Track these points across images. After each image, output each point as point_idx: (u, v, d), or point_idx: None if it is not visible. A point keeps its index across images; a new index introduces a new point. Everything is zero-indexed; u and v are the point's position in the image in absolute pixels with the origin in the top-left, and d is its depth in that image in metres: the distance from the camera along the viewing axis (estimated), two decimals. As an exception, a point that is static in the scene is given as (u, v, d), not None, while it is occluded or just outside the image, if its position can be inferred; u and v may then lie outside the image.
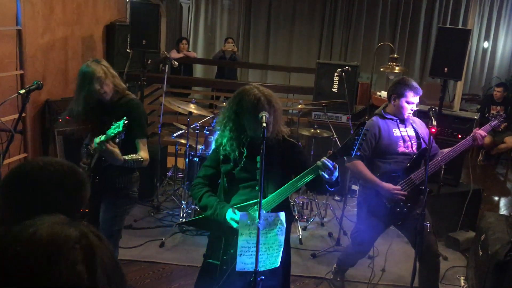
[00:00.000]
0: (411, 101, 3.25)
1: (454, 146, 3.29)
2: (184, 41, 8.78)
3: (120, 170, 2.88)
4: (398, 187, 3.21)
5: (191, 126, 4.77)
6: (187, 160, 4.73)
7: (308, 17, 10.08)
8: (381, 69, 5.75)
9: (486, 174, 7.00)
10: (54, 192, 1.39)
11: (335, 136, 4.68)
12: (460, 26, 8.99)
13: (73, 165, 1.48)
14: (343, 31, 9.98)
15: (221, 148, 2.48)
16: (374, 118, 3.40)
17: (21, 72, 4.25)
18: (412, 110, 3.29)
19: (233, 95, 2.46)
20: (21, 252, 0.83)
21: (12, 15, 4.15)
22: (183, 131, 5.02)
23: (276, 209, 2.39)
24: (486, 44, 9.74)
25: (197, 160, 4.60)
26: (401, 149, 3.29)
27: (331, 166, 2.26)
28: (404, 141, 3.30)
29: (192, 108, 4.63)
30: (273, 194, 2.38)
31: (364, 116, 5.93)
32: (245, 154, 2.43)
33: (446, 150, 3.37)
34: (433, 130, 2.98)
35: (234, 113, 2.41)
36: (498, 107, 7.32)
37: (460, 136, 4.75)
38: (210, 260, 2.49)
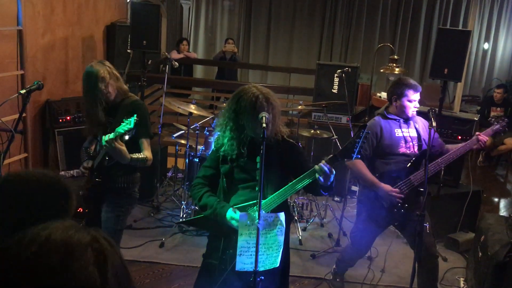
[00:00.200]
0: (413, 99, 3.23)
1: (455, 149, 3.29)
2: (184, 42, 8.79)
3: (123, 170, 2.90)
4: (396, 189, 3.19)
5: (191, 127, 4.78)
6: (187, 160, 4.73)
7: (308, 18, 10.09)
8: (381, 70, 5.75)
9: (486, 175, 7.00)
10: (40, 203, 1.42)
11: (335, 137, 4.68)
12: (460, 28, 9.00)
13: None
14: (343, 32, 9.98)
15: (221, 148, 2.49)
16: (376, 117, 3.39)
17: (22, 72, 4.25)
18: (415, 107, 3.27)
19: (232, 95, 2.47)
20: (37, 252, 0.86)
21: (13, 15, 4.16)
22: (183, 131, 5.02)
23: (275, 210, 2.39)
24: (486, 46, 9.74)
25: (197, 160, 4.61)
26: (402, 149, 3.27)
27: (327, 171, 2.27)
28: (406, 141, 3.29)
29: (192, 108, 4.63)
30: (272, 195, 2.39)
31: (364, 117, 5.94)
32: (245, 154, 2.43)
33: (451, 146, 3.38)
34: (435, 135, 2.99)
35: (233, 112, 2.41)
36: (498, 109, 7.33)
37: (460, 137, 4.75)
38: (209, 260, 2.49)
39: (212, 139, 4.57)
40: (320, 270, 3.99)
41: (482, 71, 9.88)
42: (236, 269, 2.31)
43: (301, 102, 5.18)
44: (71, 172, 4.59)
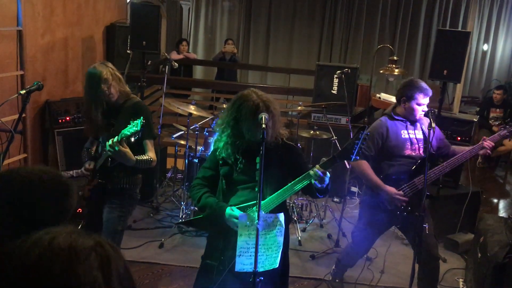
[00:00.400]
0: (422, 103, 3.19)
1: (461, 154, 3.24)
2: (184, 43, 8.79)
3: (125, 171, 2.91)
4: (400, 192, 3.16)
5: (191, 127, 4.78)
6: (186, 161, 4.74)
7: (308, 19, 10.10)
8: (381, 71, 5.76)
9: (485, 177, 7.01)
10: (40, 201, 1.40)
11: (334, 138, 4.68)
12: (459, 29, 9.01)
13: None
14: (343, 33, 9.99)
15: (218, 151, 2.50)
16: (382, 118, 3.35)
17: (21, 72, 4.26)
18: (423, 111, 3.23)
19: (232, 101, 2.47)
20: (40, 257, 0.87)
21: (13, 15, 4.16)
22: (182, 132, 5.02)
23: (274, 211, 2.40)
24: (485, 47, 9.75)
25: (197, 161, 4.61)
26: (408, 151, 3.24)
27: (321, 175, 2.27)
28: (412, 143, 3.25)
29: (192, 109, 4.63)
30: (271, 196, 2.39)
31: (363, 118, 5.94)
32: (240, 160, 2.44)
33: (457, 148, 3.36)
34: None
35: (233, 119, 2.42)
36: (497, 110, 7.34)
37: (459, 138, 4.76)
38: (208, 261, 2.50)
39: (211, 140, 4.58)
40: (319, 271, 3.99)
41: (481, 72, 9.89)
42: (236, 269, 2.31)
43: (300, 103, 5.18)
44: (71, 172, 4.59)
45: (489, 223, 3.83)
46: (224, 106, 4.89)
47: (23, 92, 2.91)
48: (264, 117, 2.27)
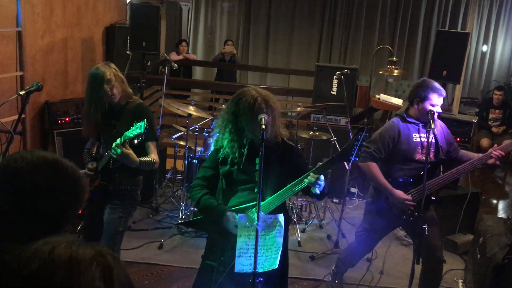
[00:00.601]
0: (436, 104, 3.10)
1: (472, 161, 3.18)
2: (183, 43, 8.80)
3: (127, 172, 2.92)
4: (409, 197, 3.11)
5: (190, 128, 4.78)
6: (186, 162, 4.74)
7: (308, 20, 10.10)
8: (380, 72, 5.76)
9: (485, 177, 7.01)
10: (63, 193, 1.30)
11: (334, 138, 4.68)
12: (459, 30, 9.02)
13: (71, 166, 1.37)
14: (342, 34, 10.00)
15: (221, 150, 2.49)
16: (395, 119, 3.26)
17: (21, 73, 4.26)
18: (437, 112, 3.14)
19: (231, 98, 2.48)
20: (42, 266, 0.86)
21: (12, 16, 4.16)
22: (182, 133, 5.02)
23: (274, 212, 2.40)
24: (484, 48, 9.76)
25: (196, 162, 4.61)
26: (418, 156, 3.16)
27: (317, 181, 2.28)
28: (423, 147, 3.16)
29: (191, 110, 4.64)
30: (271, 197, 2.39)
31: (363, 119, 5.95)
32: (245, 155, 2.43)
33: (465, 153, 3.32)
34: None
35: (232, 114, 2.42)
36: (497, 111, 7.34)
37: (458, 139, 4.76)
38: (208, 262, 2.49)
39: (211, 140, 4.58)
40: (319, 272, 3.99)
41: (480, 73, 9.89)
42: (235, 270, 2.31)
43: (300, 104, 5.18)
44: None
45: (488, 224, 3.83)
46: (224, 106, 4.90)
47: (22, 93, 2.91)
48: (264, 118, 2.27)
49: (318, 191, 2.32)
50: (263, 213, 2.32)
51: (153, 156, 2.90)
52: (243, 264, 2.31)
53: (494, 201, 6.22)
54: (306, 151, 5.33)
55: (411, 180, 3.15)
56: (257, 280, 2.17)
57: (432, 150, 3.19)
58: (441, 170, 3.46)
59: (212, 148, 2.65)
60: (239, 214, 2.34)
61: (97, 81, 2.82)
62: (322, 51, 10.10)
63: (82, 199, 1.34)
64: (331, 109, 5.13)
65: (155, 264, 3.96)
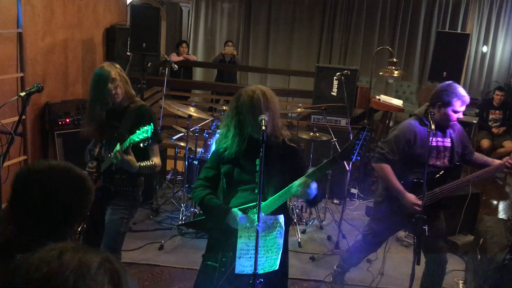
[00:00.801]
0: (459, 110, 3.04)
1: (484, 170, 3.16)
2: (184, 44, 8.80)
3: (128, 173, 2.93)
4: (420, 202, 3.04)
5: (191, 129, 4.78)
6: (186, 163, 4.74)
7: (308, 21, 10.11)
8: (380, 73, 5.77)
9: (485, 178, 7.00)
10: (65, 197, 1.43)
11: (334, 139, 4.69)
12: (459, 31, 9.03)
13: (80, 170, 1.50)
14: (342, 35, 10.01)
15: (223, 145, 2.50)
16: (412, 121, 3.18)
17: (22, 74, 4.26)
18: (458, 118, 3.08)
19: (234, 95, 2.52)
20: (51, 272, 0.85)
21: (13, 18, 4.17)
22: (182, 134, 5.02)
23: (274, 212, 2.40)
24: (485, 49, 9.76)
25: (197, 163, 4.61)
26: (433, 161, 3.11)
27: (307, 190, 2.29)
28: (438, 152, 3.12)
29: (191, 111, 4.64)
30: (272, 197, 2.39)
31: (363, 120, 5.95)
32: (244, 147, 2.44)
33: (479, 156, 3.27)
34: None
35: (235, 109, 2.45)
36: (497, 112, 7.35)
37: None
38: (209, 262, 2.50)
39: (211, 142, 4.59)
40: (319, 273, 3.99)
41: (480, 74, 9.89)
42: (236, 271, 2.31)
43: (300, 105, 5.18)
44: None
45: (488, 224, 3.83)
46: (224, 108, 4.90)
47: (23, 94, 2.91)
48: (264, 119, 2.28)
49: (309, 198, 2.33)
50: (263, 214, 2.32)
51: (155, 160, 2.92)
52: (243, 265, 2.31)
53: (495, 202, 6.22)
54: (307, 152, 5.33)
55: (422, 185, 3.04)
56: (258, 281, 2.17)
57: (447, 154, 3.14)
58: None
59: (213, 148, 2.66)
60: (240, 215, 2.34)
61: (102, 79, 2.83)
62: (322, 52, 10.11)
63: (90, 200, 1.49)
64: (331, 110, 5.13)
65: (155, 265, 3.96)
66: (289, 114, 7.16)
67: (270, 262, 2.36)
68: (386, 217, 3.28)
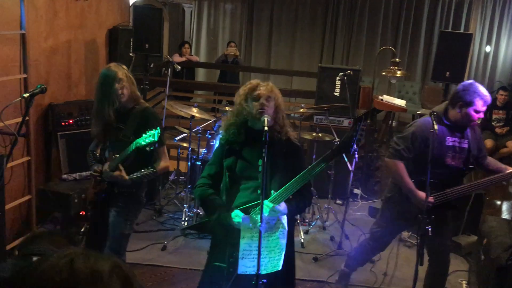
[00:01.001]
0: (480, 110, 2.97)
1: (496, 176, 3.10)
2: (186, 45, 8.81)
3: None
4: (431, 199, 2.99)
5: (193, 130, 4.79)
6: (189, 163, 4.74)
7: (310, 21, 10.11)
8: (383, 73, 5.76)
9: (488, 178, 6.98)
10: None
11: (337, 139, 4.68)
12: (462, 30, 9.01)
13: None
14: (345, 35, 10.00)
15: (227, 138, 2.51)
16: (430, 119, 3.02)
17: (25, 76, 4.27)
18: (479, 118, 3.01)
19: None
20: (65, 280, 0.85)
21: (16, 19, 4.18)
22: (185, 134, 5.03)
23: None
24: (488, 48, 9.73)
25: (199, 163, 4.61)
26: (448, 161, 3.05)
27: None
28: (455, 152, 3.05)
29: (194, 111, 4.64)
30: (274, 194, 2.36)
31: (366, 120, 5.94)
32: (244, 138, 2.46)
33: (492, 161, 3.21)
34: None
35: (238, 96, 2.50)
36: (500, 111, 7.32)
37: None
38: (216, 263, 2.48)
39: (214, 142, 4.59)
40: (322, 273, 3.99)
41: (484, 73, 9.86)
42: (238, 272, 2.31)
43: (303, 105, 5.18)
44: (74, 175, 4.59)
45: (492, 225, 3.82)
46: (227, 108, 4.91)
47: (26, 95, 2.92)
48: (267, 119, 2.28)
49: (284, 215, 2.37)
50: (269, 206, 2.30)
51: (162, 162, 2.95)
52: (246, 265, 2.31)
53: (498, 203, 6.19)
54: (309, 153, 5.33)
55: (437, 182, 3.01)
56: (260, 282, 2.17)
57: (463, 156, 3.08)
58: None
59: (216, 144, 2.67)
60: (243, 216, 2.34)
61: (109, 79, 2.84)
62: (324, 52, 10.10)
63: None
64: (334, 111, 5.13)
65: (158, 266, 3.96)
66: (292, 115, 7.16)
67: (273, 262, 2.36)
68: (395, 214, 3.25)
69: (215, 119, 4.99)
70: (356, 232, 4.66)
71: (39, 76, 4.55)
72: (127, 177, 2.81)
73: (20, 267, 0.93)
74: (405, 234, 4.56)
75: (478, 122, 3.11)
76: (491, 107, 7.44)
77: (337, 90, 5.55)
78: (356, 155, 4.47)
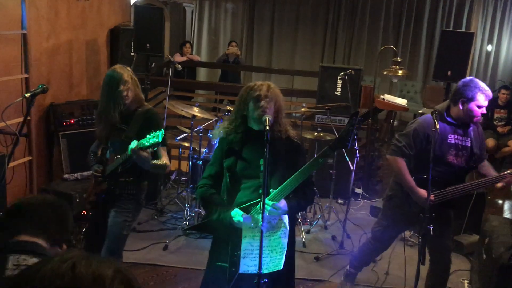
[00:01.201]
0: (483, 105, 2.96)
1: (493, 177, 3.09)
2: (187, 45, 8.81)
3: (133, 177, 2.96)
4: (432, 197, 2.96)
5: (195, 130, 4.79)
6: (190, 163, 4.74)
7: (312, 21, 10.10)
8: (384, 72, 5.75)
9: (490, 178, 6.96)
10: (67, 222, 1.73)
11: (338, 139, 4.67)
12: (463, 29, 8.99)
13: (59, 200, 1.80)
14: (346, 35, 9.99)
15: (227, 138, 2.51)
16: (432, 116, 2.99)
17: (26, 75, 4.28)
18: (482, 114, 3.00)
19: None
20: (67, 285, 0.84)
21: (17, 19, 4.18)
22: (186, 134, 5.03)
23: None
24: (489, 47, 9.72)
25: (201, 163, 4.61)
26: (450, 158, 3.04)
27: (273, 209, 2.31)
28: (457, 150, 3.03)
29: (195, 111, 4.64)
30: (274, 191, 2.35)
31: (367, 119, 5.93)
32: (244, 138, 2.46)
33: (486, 165, 3.19)
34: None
35: (239, 97, 2.50)
36: (502, 111, 7.31)
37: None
38: (219, 263, 2.48)
39: (215, 142, 4.58)
40: (323, 273, 3.99)
41: (485, 73, 9.84)
42: (240, 271, 2.31)
43: (304, 105, 5.18)
44: (75, 175, 4.60)
45: (494, 224, 3.81)
46: (228, 108, 4.90)
47: (28, 95, 2.92)
48: (268, 119, 2.28)
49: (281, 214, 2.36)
50: (270, 204, 2.30)
51: (165, 160, 2.97)
52: (248, 265, 2.31)
53: (500, 202, 6.18)
54: (311, 152, 5.32)
55: (438, 180, 3.01)
56: (262, 281, 2.17)
57: (465, 154, 3.07)
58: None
59: (216, 144, 2.68)
60: (244, 215, 2.34)
61: (115, 81, 2.86)
62: (326, 51, 10.10)
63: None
64: (335, 110, 5.12)
65: (160, 265, 3.96)
66: (293, 114, 7.16)
67: (274, 262, 2.36)
68: (397, 213, 3.24)
69: (216, 118, 4.99)
70: (358, 232, 4.66)
71: (40, 76, 4.56)
72: (151, 160, 2.82)
73: (21, 271, 0.92)
74: (407, 233, 4.56)
75: (481, 118, 3.09)
76: (493, 106, 7.42)
77: (339, 89, 5.54)
78: (358, 155, 4.46)
